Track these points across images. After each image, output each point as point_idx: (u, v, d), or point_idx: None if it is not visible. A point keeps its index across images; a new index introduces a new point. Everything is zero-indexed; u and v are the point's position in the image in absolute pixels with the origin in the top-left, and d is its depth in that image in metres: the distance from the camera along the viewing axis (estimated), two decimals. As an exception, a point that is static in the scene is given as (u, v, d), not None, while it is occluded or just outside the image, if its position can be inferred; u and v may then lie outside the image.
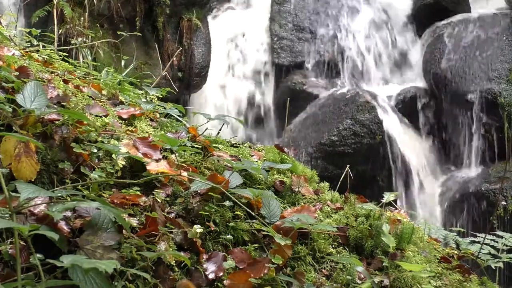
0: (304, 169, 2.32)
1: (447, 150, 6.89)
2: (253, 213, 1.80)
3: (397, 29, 8.09)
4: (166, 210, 1.75)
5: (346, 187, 2.39)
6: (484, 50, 7.00)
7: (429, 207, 6.59)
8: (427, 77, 7.34)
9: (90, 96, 2.21)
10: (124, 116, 2.19)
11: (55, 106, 1.89)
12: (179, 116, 2.45)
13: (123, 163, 1.83)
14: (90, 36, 5.51)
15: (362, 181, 6.27)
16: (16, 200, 1.36)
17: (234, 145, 2.39)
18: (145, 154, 1.90)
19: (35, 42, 2.88)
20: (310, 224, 1.77)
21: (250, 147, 2.44)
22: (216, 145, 2.26)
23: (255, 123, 7.65)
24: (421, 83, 7.43)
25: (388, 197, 2.19)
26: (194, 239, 1.63)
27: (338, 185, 2.41)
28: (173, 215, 1.73)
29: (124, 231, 1.52)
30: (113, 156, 1.81)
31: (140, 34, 5.63)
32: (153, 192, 1.77)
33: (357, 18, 8.10)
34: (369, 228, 1.94)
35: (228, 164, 2.01)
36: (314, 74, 7.64)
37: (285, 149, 2.42)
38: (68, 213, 1.53)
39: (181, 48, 6.76)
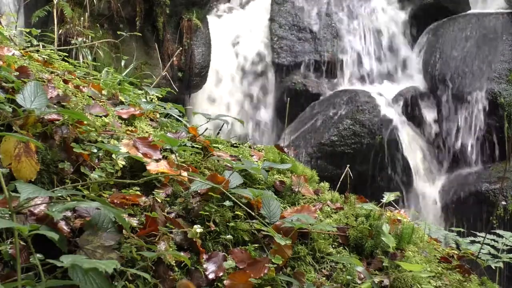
0: (304, 169, 2.32)
1: (447, 150, 6.89)
2: (253, 213, 1.80)
3: (397, 29, 8.08)
4: (166, 210, 1.75)
5: (346, 187, 2.39)
6: (484, 50, 7.00)
7: (429, 207, 6.59)
8: (427, 77, 7.34)
9: (90, 96, 2.21)
10: (124, 116, 2.19)
11: (55, 106, 1.89)
12: (179, 116, 2.45)
13: (123, 163, 1.83)
14: (90, 36, 5.51)
15: (362, 181, 6.28)
16: (16, 200, 1.36)
17: (234, 145, 2.39)
18: (145, 154, 1.90)
19: (35, 42, 2.88)
20: (310, 224, 1.77)
21: (250, 147, 2.43)
22: (216, 145, 2.26)
23: (255, 123, 7.65)
24: (421, 83, 7.42)
25: (388, 197, 2.19)
26: (194, 239, 1.63)
27: (338, 185, 2.41)
28: (173, 215, 1.73)
29: (124, 231, 1.52)
30: (113, 156, 1.81)
31: (140, 34, 5.63)
32: (153, 192, 1.77)
33: (357, 18, 8.09)
34: (369, 228, 1.94)
35: (228, 164, 2.01)
36: (314, 74, 7.64)
37: (285, 149, 2.42)
38: (68, 213, 1.53)
39: (181, 48, 6.76)
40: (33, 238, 1.32)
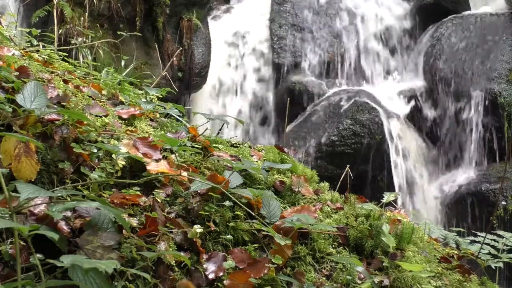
0: (304, 169, 2.32)
1: (447, 150, 6.89)
2: (253, 213, 1.80)
3: (397, 29, 8.08)
4: (166, 210, 1.75)
5: (346, 187, 2.39)
6: (484, 50, 7.01)
7: (429, 207, 6.59)
8: (427, 77, 7.34)
9: (90, 96, 2.21)
10: (124, 116, 2.19)
11: (55, 106, 1.89)
12: (179, 116, 2.45)
13: (123, 163, 1.83)
14: (90, 36, 5.51)
15: (362, 181, 6.28)
16: (16, 200, 1.36)
17: (234, 145, 2.39)
18: (145, 154, 1.90)
19: (35, 42, 2.88)
20: (310, 224, 1.77)
21: (250, 147, 2.44)
22: (216, 145, 2.26)
23: (255, 123, 7.65)
24: (421, 83, 7.43)
25: (388, 197, 2.19)
26: (194, 239, 1.63)
27: (338, 185, 2.41)
28: (173, 215, 1.73)
29: (124, 231, 1.52)
30: (113, 156, 1.81)
31: (140, 34, 5.63)
32: (153, 192, 1.77)
33: (357, 18, 8.10)
34: (369, 228, 1.94)
35: (228, 164, 2.01)
36: (314, 74, 7.64)
37: (285, 149, 2.42)
38: (68, 213, 1.53)
39: (181, 48, 6.76)
40: (33, 238, 1.32)
